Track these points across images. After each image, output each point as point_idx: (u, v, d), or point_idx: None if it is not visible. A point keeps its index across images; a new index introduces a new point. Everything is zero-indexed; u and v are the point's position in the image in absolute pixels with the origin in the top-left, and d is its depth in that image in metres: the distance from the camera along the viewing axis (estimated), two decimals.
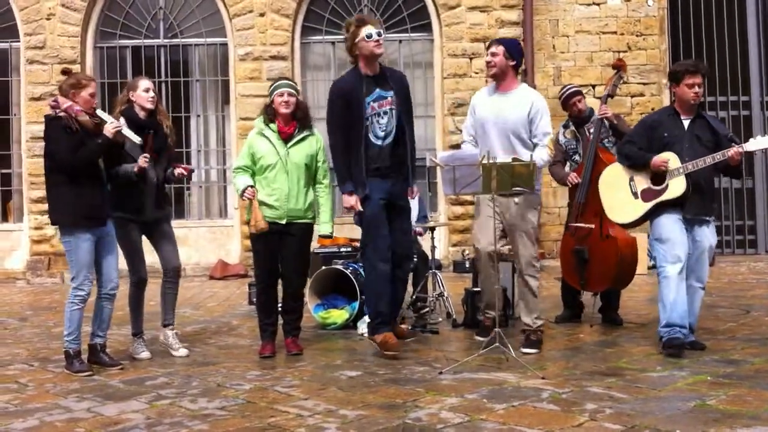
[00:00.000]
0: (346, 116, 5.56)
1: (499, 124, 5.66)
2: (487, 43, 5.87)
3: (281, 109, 5.64)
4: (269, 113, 5.71)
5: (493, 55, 5.68)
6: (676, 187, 5.36)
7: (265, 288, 5.80)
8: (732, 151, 5.24)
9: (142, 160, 5.40)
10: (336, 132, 5.62)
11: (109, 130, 5.14)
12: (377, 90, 5.61)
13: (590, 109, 6.83)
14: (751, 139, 5.36)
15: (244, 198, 5.62)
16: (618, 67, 6.83)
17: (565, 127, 6.84)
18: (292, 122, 5.69)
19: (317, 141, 5.80)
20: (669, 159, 5.36)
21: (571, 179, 6.53)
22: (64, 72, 5.49)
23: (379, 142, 5.61)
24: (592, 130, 6.61)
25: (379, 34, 5.50)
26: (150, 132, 5.56)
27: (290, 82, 5.82)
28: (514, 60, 5.71)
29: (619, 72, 6.79)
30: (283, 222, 5.66)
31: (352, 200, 5.56)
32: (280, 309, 5.87)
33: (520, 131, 5.64)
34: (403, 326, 5.96)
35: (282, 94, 5.64)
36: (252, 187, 5.60)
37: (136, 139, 5.29)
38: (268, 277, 5.77)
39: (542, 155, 5.63)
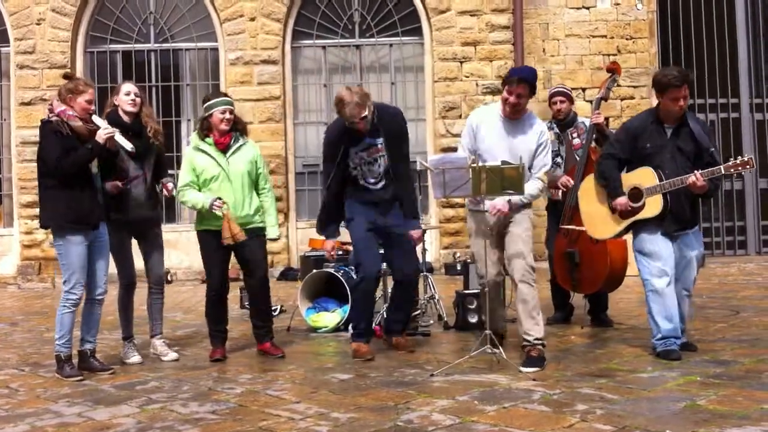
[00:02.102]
0: (330, 163, 5.71)
1: (508, 152, 5.37)
2: (507, 77, 5.38)
3: (222, 126, 5.66)
4: (204, 128, 5.73)
5: (519, 96, 5.29)
6: (652, 206, 5.28)
7: (215, 297, 5.82)
8: (691, 178, 5.06)
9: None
10: (324, 174, 5.83)
11: (101, 136, 5.14)
12: (366, 139, 5.63)
13: (573, 114, 6.83)
14: (731, 160, 5.11)
15: (212, 210, 5.57)
16: (612, 70, 6.84)
17: (548, 128, 6.83)
18: (228, 133, 5.72)
19: (253, 147, 5.86)
20: (640, 195, 5.25)
21: (563, 182, 6.54)
22: (65, 76, 5.50)
23: (372, 187, 5.71)
24: (575, 135, 6.65)
25: (363, 118, 5.47)
26: (125, 135, 5.56)
27: (228, 98, 5.81)
28: (534, 93, 5.47)
29: (614, 75, 6.80)
30: None
31: (327, 247, 5.88)
32: (250, 318, 5.96)
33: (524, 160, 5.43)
34: (402, 341, 5.91)
35: (224, 112, 5.66)
36: (219, 198, 5.58)
37: (128, 146, 5.27)
38: (219, 287, 5.80)
39: (535, 187, 5.45)
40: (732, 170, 5.12)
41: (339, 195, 5.75)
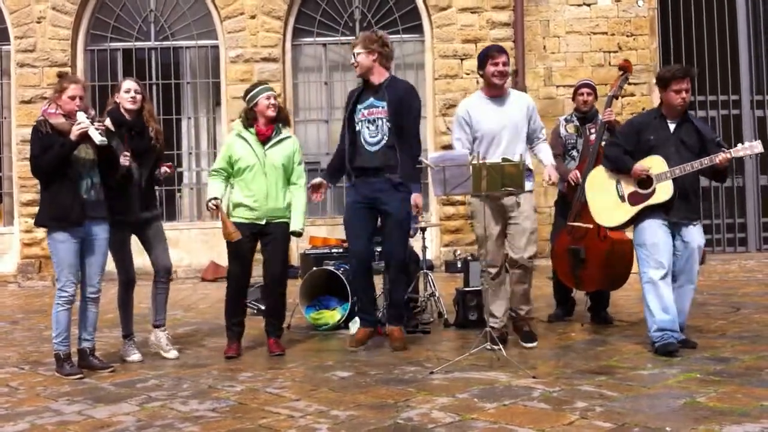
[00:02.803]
0: (345, 116, 6.06)
1: (508, 128, 5.74)
2: (484, 53, 5.84)
3: (269, 112, 5.71)
4: (249, 117, 5.79)
5: (504, 65, 5.76)
6: (663, 191, 5.35)
7: (235, 290, 5.84)
8: (720, 156, 5.25)
9: (123, 159, 5.40)
10: (342, 125, 6.12)
11: (73, 132, 5.09)
12: (371, 99, 5.90)
13: (595, 110, 6.84)
14: (740, 145, 5.37)
15: (209, 209, 5.71)
16: (624, 69, 6.84)
17: (568, 121, 6.85)
18: (270, 125, 5.77)
19: (293, 143, 5.90)
20: (650, 167, 5.36)
21: (572, 177, 6.53)
22: (59, 75, 5.50)
23: (370, 148, 5.87)
24: (593, 130, 6.64)
25: (356, 55, 5.92)
26: (127, 133, 5.55)
27: (270, 86, 5.92)
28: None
29: (626, 73, 6.80)
30: (263, 222, 5.73)
31: (315, 181, 6.10)
32: (263, 310, 5.93)
33: (522, 130, 5.81)
34: (396, 333, 5.87)
35: (269, 98, 5.74)
36: (216, 198, 5.64)
37: (97, 139, 5.08)
38: (240, 279, 5.83)
39: (549, 151, 6.00)
40: (741, 153, 5.36)
41: (343, 151, 5.99)
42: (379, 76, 5.92)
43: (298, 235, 5.88)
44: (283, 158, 5.77)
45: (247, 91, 5.87)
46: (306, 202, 5.93)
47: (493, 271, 5.77)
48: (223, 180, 5.80)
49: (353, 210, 5.95)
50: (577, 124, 6.79)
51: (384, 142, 5.83)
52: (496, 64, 5.73)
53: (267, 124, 5.76)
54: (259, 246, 5.85)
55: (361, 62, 5.90)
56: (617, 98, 6.82)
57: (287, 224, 5.80)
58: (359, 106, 5.93)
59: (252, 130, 5.76)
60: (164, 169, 5.77)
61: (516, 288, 5.87)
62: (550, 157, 5.94)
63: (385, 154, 5.82)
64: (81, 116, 5.14)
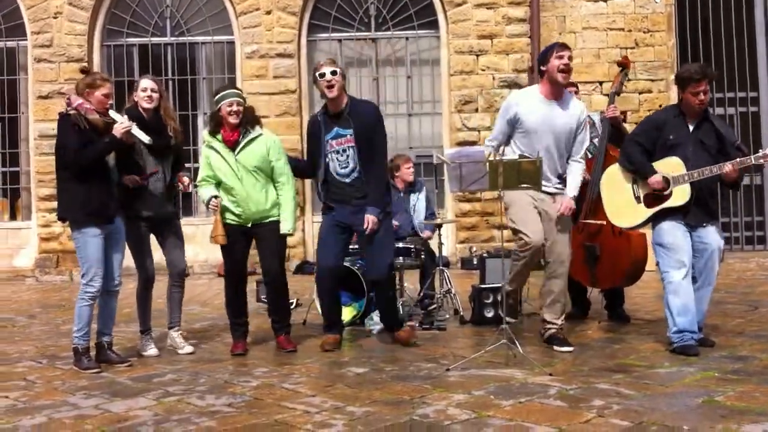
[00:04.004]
0: (309, 148, 5.97)
1: (550, 131, 5.52)
2: (547, 50, 5.58)
3: (230, 119, 5.64)
4: (214, 123, 5.73)
5: (570, 59, 5.50)
6: (680, 194, 5.28)
7: (232, 289, 5.85)
8: (727, 167, 5.13)
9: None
10: (308, 155, 6.04)
11: (118, 129, 5.17)
12: (336, 128, 5.73)
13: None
14: (761, 151, 5.20)
15: (209, 209, 5.71)
16: (623, 65, 6.83)
17: None
18: (236, 129, 5.68)
19: (266, 141, 5.74)
20: (667, 184, 5.26)
21: (582, 175, 6.47)
22: (83, 71, 5.55)
23: (343, 179, 5.77)
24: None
25: (333, 73, 5.63)
26: (148, 130, 5.58)
27: (237, 91, 5.81)
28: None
29: (625, 70, 6.80)
30: (249, 225, 5.72)
31: None
32: (267, 309, 5.99)
33: (565, 139, 5.58)
34: (402, 333, 5.89)
35: (231, 104, 5.63)
36: (216, 197, 5.64)
37: (145, 138, 5.30)
38: (235, 278, 5.85)
39: (579, 172, 5.68)
40: (762, 160, 5.17)
41: (321, 179, 5.85)
42: (341, 102, 5.73)
43: (290, 235, 5.86)
44: (256, 160, 5.66)
45: (215, 93, 5.82)
46: (295, 199, 5.82)
47: (533, 248, 5.42)
48: (213, 187, 5.73)
49: (326, 228, 5.87)
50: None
51: (356, 171, 5.71)
52: (561, 57, 5.46)
53: (232, 130, 5.67)
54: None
55: (339, 82, 5.66)
56: (618, 94, 6.78)
57: (276, 223, 5.73)
58: (325, 137, 5.74)
59: (219, 137, 5.69)
60: (181, 186, 5.75)
61: (553, 295, 5.59)
62: (575, 183, 5.62)
63: (359, 184, 5.71)
64: (116, 115, 5.23)
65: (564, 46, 5.60)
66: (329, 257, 5.81)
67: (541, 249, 5.49)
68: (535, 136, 5.51)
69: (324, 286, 5.91)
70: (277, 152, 5.75)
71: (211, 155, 5.73)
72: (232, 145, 5.67)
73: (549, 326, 5.63)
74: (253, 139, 5.70)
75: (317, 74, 5.69)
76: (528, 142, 5.53)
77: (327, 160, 5.76)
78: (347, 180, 5.74)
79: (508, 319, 5.17)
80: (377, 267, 5.80)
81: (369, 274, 6.07)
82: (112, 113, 5.26)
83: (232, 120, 5.63)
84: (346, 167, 5.72)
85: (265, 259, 5.80)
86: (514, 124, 5.58)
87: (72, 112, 5.17)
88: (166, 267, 5.80)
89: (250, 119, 5.75)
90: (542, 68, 5.58)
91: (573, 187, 5.62)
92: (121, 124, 5.19)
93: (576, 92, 6.74)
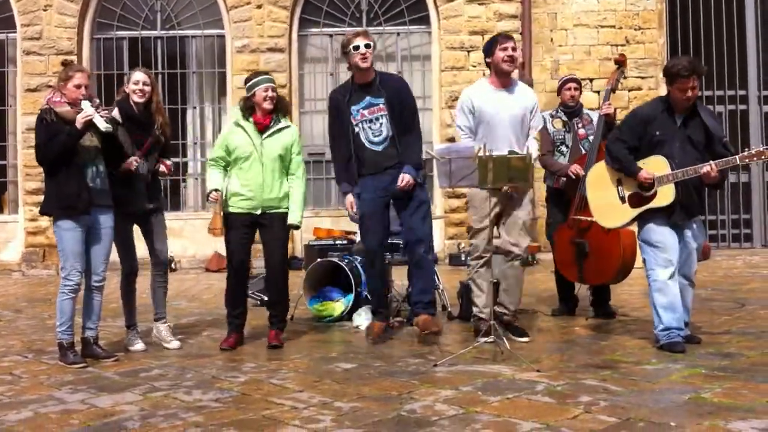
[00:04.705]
0: (337, 124, 5.93)
1: (505, 119, 5.72)
2: (491, 42, 5.81)
3: (265, 105, 5.66)
4: (248, 107, 5.73)
5: (514, 50, 5.71)
6: (664, 195, 5.25)
7: (234, 280, 5.83)
8: (704, 169, 5.09)
9: (131, 161, 5.42)
10: (331, 138, 6.06)
11: (78, 120, 5.09)
12: (367, 98, 5.81)
13: (580, 104, 6.83)
14: (746, 150, 5.15)
15: (209, 200, 5.70)
16: (620, 63, 6.85)
17: (553, 116, 6.81)
18: (269, 115, 5.72)
19: (292, 133, 5.82)
20: (654, 176, 5.24)
21: (574, 171, 6.48)
22: (63, 64, 5.49)
23: (375, 147, 5.81)
24: (580, 125, 6.65)
25: (367, 46, 5.71)
26: (134, 125, 5.55)
27: (270, 77, 5.86)
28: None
29: (621, 67, 6.81)
30: (258, 212, 5.70)
31: (348, 201, 5.90)
32: (265, 301, 5.92)
33: (520, 126, 5.77)
34: (424, 318, 5.68)
35: (266, 90, 5.67)
36: (217, 191, 5.64)
37: (102, 126, 5.10)
38: (238, 269, 5.82)
39: (534, 148, 5.81)
40: (747, 160, 5.14)
41: (350, 158, 5.85)
42: (371, 72, 5.85)
43: (296, 227, 5.86)
44: (281, 148, 5.71)
45: (247, 80, 5.82)
46: (305, 194, 5.87)
47: (482, 260, 5.68)
48: (221, 170, 5.77)
49: (369, 205, 5.82)
50: (565, 119, 6.76)
51: (388, 139, 5.79)
52: (505, 49, 5.68)
53: (265, 115, 5.71)
54: (259, 237, 5.85)
55: (371, 55, 5.79)
56: (614, 92, 6.80)
57: (284, 215, 5.75)
58: (354, 108, 5.81)
59: (250, 119, 5.72)
60: (162, 168, 5.73)
61: (509, 281, 5.77)
62: (533, 146, 5.83)
63: (392, 151, 5.77)
64: (86, 105, 5.14)
65: (508, 38, 5.80)
66: (375, 237, 5.87)
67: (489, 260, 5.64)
68: (492, 125, 5.70)
69: (372, 264, 5.99)
70: (299, 147, 5.88)
71: (236, 135, 5.72)
72: (262, 129, 5.69)
73: (503, 315, 5.72)
74: (282, 129, 5.75)
75: (351, 47, 5.73)
76: (492, 132, 5.68)
77: (357, 130, 5.80)
78: (379, 148, 5.80)
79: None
80: (417, 230, 5.76)
81: (407, 235, 5.85)
82: (84, 104, 5.15)
83: (267, 105, 5.67)
84: (379, 135, 5.79)
85: (268, 249, 5.78)
86: (474, 116, 5.76)
87: (44, 107, 5.16)
88: (149, 259, 5.77)
89: (283, 108, 5.83)
90: (488, 60, 5.84)
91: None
92: (83, 113, 5.09)
93: (578, 88, 6.79)
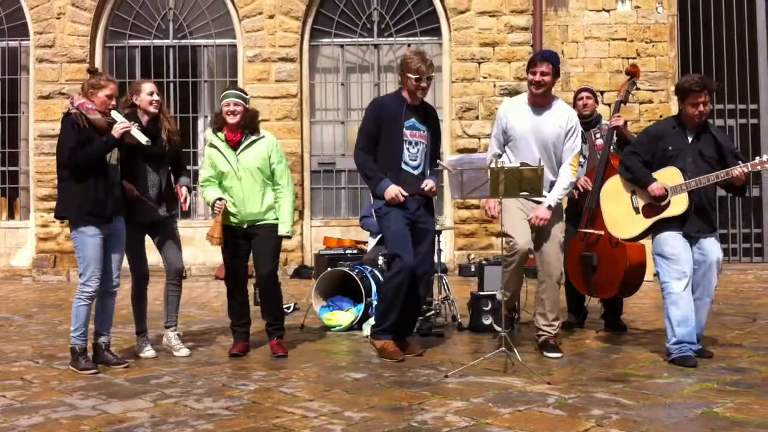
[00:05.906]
0: (378, 130, 5.61)
1: (537, 139, 5.61)
2: (537, 58, 5.64)
3: (228, 119, 5.67)
4: (217, 122, 5.76)
5: (543, 74, 5.53)
6: (678, 204, 5.28)
7: (232, 292, 5.86)
8: (737, 170, 5.17)
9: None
10: (372, 140, 5.63)
11: (116, 130, 5.17)
12: (413, 120, 5.65)
13: (598, 115, 6.83)
14: (758, 158, 5.24)
15: (214, 211, 5.71)
16: (631, 74, 6.84)
17: None
18: (239, 130, 5.70)
19: (268, 143, 5.77)
20: (668, 189, 5.27)
21: (581, 184, 6.49)
22: (90, 71, 5.54)
23: (413, 171, 5.64)
24: (598, 135, 6.64)
25: (429, 79, 5.57)
26: (156, 147, 5.59)
27: (237, 92, 5.82)
28: (559, 76, 5.70)
29: (633, 78, 6.81)
30: (244, 226, 5.72)
31: (394, 191, 5.51)
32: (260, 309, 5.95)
33: (553, 146, 5.64)
34: (416, 346, 5.79)
35: (228, 104, 5.67)
36: (221, 199, 5.66)
37: (143, 139, 5.27)
38: (235, 281, 5.85)
39: (567, 177, 5.63)
40: (759, 167, 5.23)
41: (389, 168, 5.59)
42: (418, 99, 5.69)
43: (287, 237, 5.86)
44: (258, 161, 5.69)
45: (221, 92, 5.85)
46: (293, 203, 5.83)
47: (518, 254, 5.45)
48: (216, 186, 5.76)
49: (401, 222, 5.56)
50: (581, 129, 6.75)
51: (421, 168, 5.67)
52: (534, 73, 5.54)
53: (234, 130, 5.69)
54: None
55: (429, 87, 5.66)
56: (625, 103, 6.80)
57: (271, 226, 5.74)
58: (398, 124, 5.60)
59: (221, 135, 5.71)
60: (180, 196, 5.78)
61: (542, 295, 5.67)
62: (557, 192, 5.61)
63: (422, 179, 5.66)
64: (117, 115, 5.23)
65: (543, 60, 5.57)
66: (409, 255, 5.47)
67: (527, 254, 5.51)
68: (523, 144, 5.61)
69: (403, 284, 5.47)
70: (278, 155, 5.80)
71: (213, 154, 5.74)
72: (234, 145, 5.70)
73: (540, 333, 5.68)
74: (255, 141, 5.73)
75: (414, 76, 5.51)
76: (518, 150, 5.62)
77: (396, 146, 5.58)
78: (415, 172, 5.64)
79: (497, 328, 5.16)
80: (425, 264, 5.70)
81: (417, 270, 5.55)
82: (114, 114, 5.27)
83: (230, 120, 5.66)
84: (415, 160, 5.65)
85: (258, 262, 5.79)
86: (506, 132, 5.69)
87: (73, 111, 5.19)
88: (162, 268, 5.79)
89: (252, 122, 5.75)
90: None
91: (553, 196, 5.58)
92: (120, 124, 5.19)
93: (592, 98, 6.76)
